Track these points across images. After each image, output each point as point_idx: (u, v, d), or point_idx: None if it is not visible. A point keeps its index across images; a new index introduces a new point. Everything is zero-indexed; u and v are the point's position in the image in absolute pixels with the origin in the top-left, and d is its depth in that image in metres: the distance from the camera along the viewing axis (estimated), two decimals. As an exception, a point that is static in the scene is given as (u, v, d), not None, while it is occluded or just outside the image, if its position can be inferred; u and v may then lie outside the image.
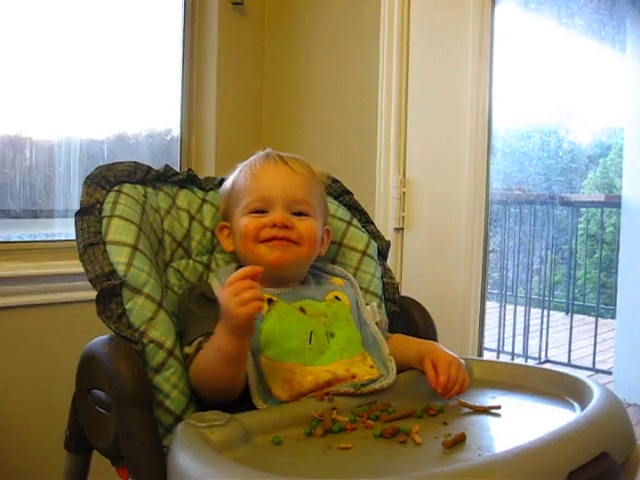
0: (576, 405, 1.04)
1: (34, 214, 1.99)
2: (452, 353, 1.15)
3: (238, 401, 1.04)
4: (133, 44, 2.10)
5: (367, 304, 1.26)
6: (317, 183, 1.27)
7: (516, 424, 1.01)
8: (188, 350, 1.08)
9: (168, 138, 2.27)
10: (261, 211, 1.19)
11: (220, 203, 1.29)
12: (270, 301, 1.14)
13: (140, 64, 2.12)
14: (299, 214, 1.20)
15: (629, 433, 0.96)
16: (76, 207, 1.14)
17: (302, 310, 1.15)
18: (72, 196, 1.99)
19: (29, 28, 1.88)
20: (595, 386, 1.03)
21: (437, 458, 0.87)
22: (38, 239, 1.95)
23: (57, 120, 1.99)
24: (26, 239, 1.93)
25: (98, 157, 2.07)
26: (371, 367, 1.13)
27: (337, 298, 1.21)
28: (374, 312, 1.25)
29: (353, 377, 1.10)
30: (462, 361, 1.14)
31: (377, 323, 1.23)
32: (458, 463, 0.83)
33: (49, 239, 1.96)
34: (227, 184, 1.27)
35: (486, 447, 0.89)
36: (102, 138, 2.10)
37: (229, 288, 0.98)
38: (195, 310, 1.13)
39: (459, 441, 0.90)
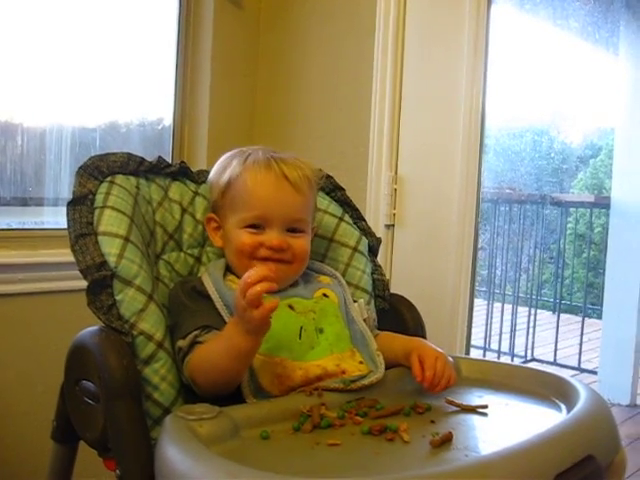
0: (562, 406, 1.04)
1: (24, 202, 1.98)
2: (439, 349, 1.15)
3: (227, 394, 1.04)
4: (127, 32, 2.09)
5: (355, 301, 1.26)
6: (314, 194, 1.26)
7: (503, 424, 1.02)
8: (181, 343, 1.08)
9: (159, 128, 2.26)
10: (258, 225, 1.17)
11: (211, 191, 1.27)
12: (260, 297, 1.14)
13: (134, 53, 2.11)
14: (293, 230, 1.19)
15: (614, 436, 0.96)
16: (66, 196, 1.14)
17: (291, 307, 1.15)
18: (62, 184, 1.98)
19: (22, 15, 1.87)
20: (582, 388, 1.03)
21: (424, 457, 0.88)
22: (27, 227, 1.94)
23: (49, 107, 1.98)
24: (15, 227, 1.92)
25: (89, 145, 2.06)
26: (360, 363, 1.14)
27: (325, 295, 1.21)
28: (362, 309, 1.25)
29: (343, 372, 1.10)
30: (450, 359, 1.15)
31: (365, 320, 1.23)
32: (445, 464, 0.84)
33: (38, 227, 1.95)
34: (222, 177, 1.22)
35: (472, 447, 0.90)
36: (94, 126, 2.09)
37: (241, 291, 0.97)
38: (188, 304, 1.13)
39: (446, 440, 0.90)
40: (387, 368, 1.15)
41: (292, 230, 1.19)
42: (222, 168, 1.24)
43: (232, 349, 1.00)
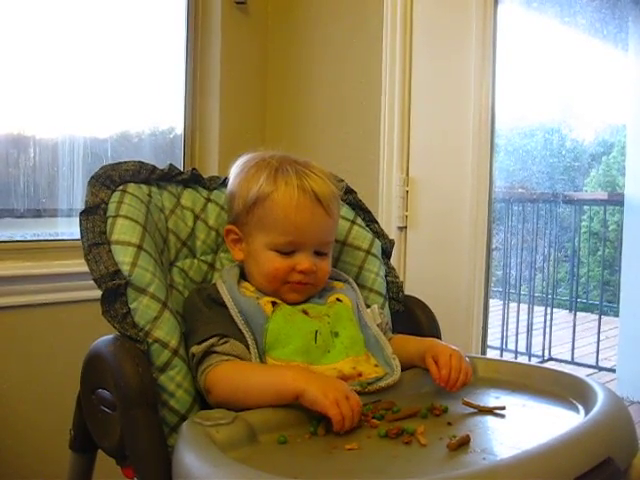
0: (580, 407, 1.03)
1: (37, 213, 1.99)
2: (452, 346, 1.15)
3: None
4: (136, 42, 2.11)
5: (368, 307, 1.26)
6: (339, 211, 1.26)
7: (520, 426, 1.01)
8: (196, 350, 1.08)
9: (171, 136, 2.27)
10: (289, 250, 1.16)
11: (231, 201, 1.23)
12: (274, 304, 1.14)
13: (143, 62, 2.12)
14: (320, 252, 1.19)
15: (633, 438, 0.95)
16: (79, 206, 1.15)
17: (305, 312, 1.15)
18: (75, 195, 1.99)
19: (32, 26, 1.88)
20: (600, 388, 1.02)
21: (442, 461, 0.87)
22: (41, 238, 1.95)
23: (60, 118, 1.99)
24: (29, 238, 1.93)
25: (101, 156, 2.07)
26: (375, 366, 1.13)
27: (339, 300, 1.21)
28: (375, 315, 1.25)
29: (359, 375, 1.10)
30: (466, 359, 1.15)
31: (378, 325, 1.23)
32: (462, 467, 0.83)
33: (52, 238, 1.96)
34: (248, 192, 1.18)
35: (490, 450, 0.89)
36: (105, 137, 2.10)
37: (344, 394, 0.97)
38: (205, 310, 1.13)
39: (463, 443, 0.90)
40: (403, 370, 1.15)
41: (318, 252, 1.19)
42: (245, 181, 1.19)
43: (275, 392, 1.00)
